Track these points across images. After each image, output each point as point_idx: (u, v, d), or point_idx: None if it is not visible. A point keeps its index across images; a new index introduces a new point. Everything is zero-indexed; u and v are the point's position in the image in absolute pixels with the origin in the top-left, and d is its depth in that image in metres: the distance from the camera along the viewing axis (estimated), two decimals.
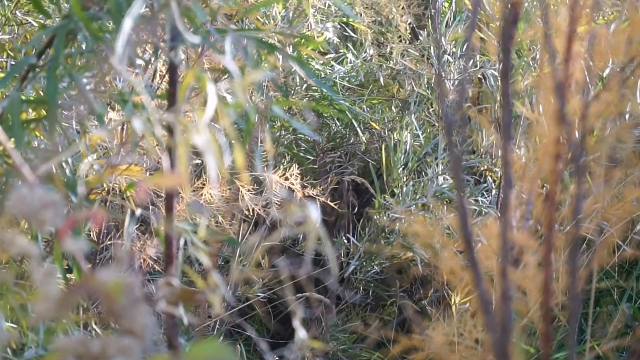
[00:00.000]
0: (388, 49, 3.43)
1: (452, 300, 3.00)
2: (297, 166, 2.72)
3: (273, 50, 1.58)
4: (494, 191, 3.10)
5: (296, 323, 1.18)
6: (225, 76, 1.63)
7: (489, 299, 1.01)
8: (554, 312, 1.08)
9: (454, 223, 1.26)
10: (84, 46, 1.59)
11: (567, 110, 0.98)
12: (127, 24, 1.15)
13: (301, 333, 1.20)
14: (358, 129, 3.22)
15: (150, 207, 2.48)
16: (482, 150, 3.14)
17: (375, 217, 3.12)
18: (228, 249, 2.92)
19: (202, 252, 1.09)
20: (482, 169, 3.16)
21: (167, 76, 2.44)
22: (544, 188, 1.55)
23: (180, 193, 2.03)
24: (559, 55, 1.01)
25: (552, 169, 1.02)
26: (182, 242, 1.76)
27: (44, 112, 1.86)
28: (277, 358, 3.06)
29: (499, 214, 1.00)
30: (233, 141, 1.07)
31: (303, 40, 1.60)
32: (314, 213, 1.04)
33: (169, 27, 1.41)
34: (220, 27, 1.55)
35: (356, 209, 3.46)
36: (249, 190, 2.63)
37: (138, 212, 1.77)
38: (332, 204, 2.92)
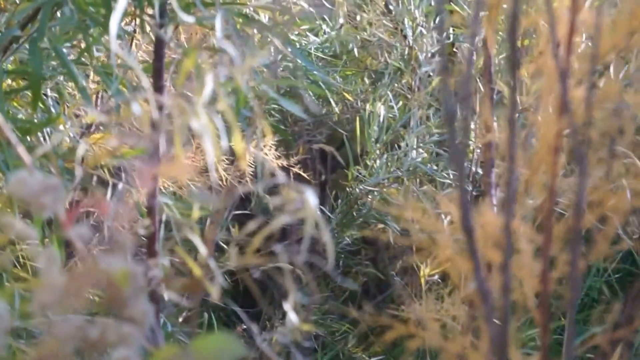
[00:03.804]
0: (358, 18, 3.41)
1: (422, 272, 3.02)
2: (271, 137, 2.70)
3: (261, 27, 1.57)
4: (466, 164, 3.11)
5: (287, 307, 1.18)
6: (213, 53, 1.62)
7: (488, 289, 1.02)
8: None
9: (452, 210, 1.27)
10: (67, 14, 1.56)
11: (569, 98, 0.98)
12: (122, 2, 1.13)
13: (292, 316, 1.20)
14: (331, 100, 3.21)
15: (124, 176, 2.46)
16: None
17: (347, 189, 3.13)
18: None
19: (194, 234, 1.08)
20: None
21: (142, 44, 2.42)
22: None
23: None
24: (560, 43, 1.01)
25: (552, 160, 1.03)
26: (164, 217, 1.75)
27: (22, 83, 1.84)
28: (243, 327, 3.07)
29: (501, 206, 1.00)
30: (229, 124, 1.06)
31: (292, 20, 1.60)
32: (312, 198, 1.03)
33: (158, 2, 1.40)
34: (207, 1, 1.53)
35: (323, 177, 3.46)
36: (222, 161, 2.62)
37: (120, 186, 1.76)
38: (305, 175, 2.91)
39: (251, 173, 2.65)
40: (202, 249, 1.03)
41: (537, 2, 1.16)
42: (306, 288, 3.09)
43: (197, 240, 1.10)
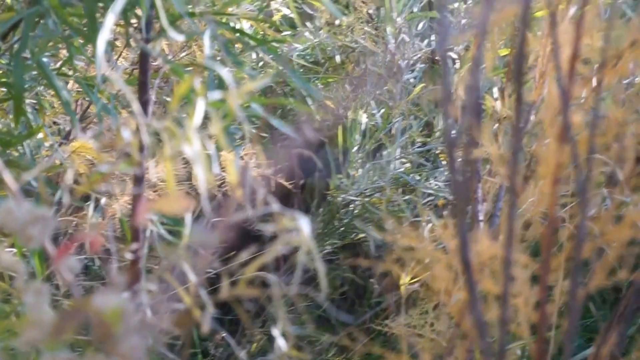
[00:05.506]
0: (337, 22, 3.39)
1: (401, 281, 3.00)
2: (251, 145, 2.67)
3: (251, 40, 1.54)
4: (446, 173, 3.09)
5: (276, 332, 1.16)
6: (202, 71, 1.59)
7: (485, 322, 0.99)
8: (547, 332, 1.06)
9: (448, 240, 1.25)
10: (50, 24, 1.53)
11: (572, 127, 0.96)
12: (110, 20, 1.10)
13: (281, 343, 1.17)
14: (312, 107, 3.18)
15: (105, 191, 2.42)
16: (436, 133, 3.13)
17: (328, 198, 3.10)
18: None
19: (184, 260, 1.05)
20: (436, 152, 3.15)
21: (122, 52, 2.38)
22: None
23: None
24: (563, 71, 0.99)
25: (552, 190, 1.00)
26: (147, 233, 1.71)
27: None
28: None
29: (503, 237, 0.97)
30: (221, 148, 1.03)
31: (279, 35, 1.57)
32: (306, 226, 1.00)
33: (144, 17, 1.36)
34: (193, 12, 1.50)
35: (301, 182, 3.43)
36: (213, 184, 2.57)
37: (103, 201, 1.73)
38: (286, 184, 2.88)
39: (229, 182, 2.61)
40: (192, 277, 1.00)
41: (539, 25, 1.14)
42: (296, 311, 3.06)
43: (186, 267, 1.06)
